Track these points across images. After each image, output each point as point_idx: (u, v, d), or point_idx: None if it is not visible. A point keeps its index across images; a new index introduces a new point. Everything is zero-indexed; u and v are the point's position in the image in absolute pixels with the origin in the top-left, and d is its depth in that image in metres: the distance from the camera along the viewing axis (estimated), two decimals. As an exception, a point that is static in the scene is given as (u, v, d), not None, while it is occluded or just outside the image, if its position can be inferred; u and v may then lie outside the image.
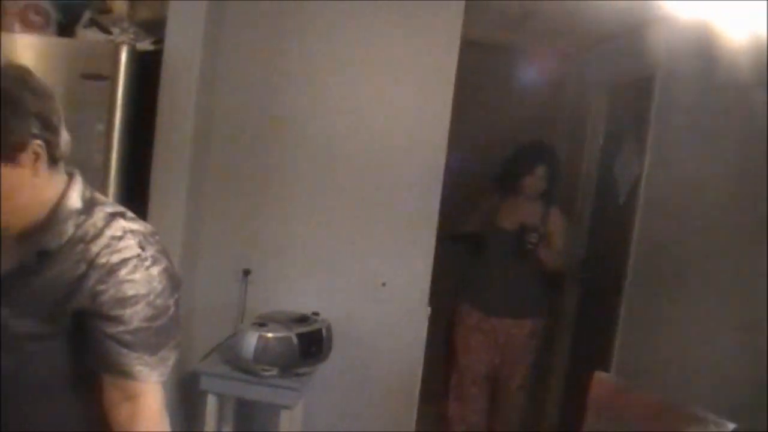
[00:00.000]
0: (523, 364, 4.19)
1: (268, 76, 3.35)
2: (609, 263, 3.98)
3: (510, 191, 4.17)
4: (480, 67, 4.27)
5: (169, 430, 1.54)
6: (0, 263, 1.51)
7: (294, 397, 2.96)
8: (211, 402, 3.01)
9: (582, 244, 4.50)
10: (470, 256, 4.26)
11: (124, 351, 1.45)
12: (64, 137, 1.51)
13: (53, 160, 1.50)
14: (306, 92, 3.35)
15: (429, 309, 3.46)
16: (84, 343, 1.48)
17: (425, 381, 3.60)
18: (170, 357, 1.53)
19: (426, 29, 3.32)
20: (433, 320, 3.56)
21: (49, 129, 1.46)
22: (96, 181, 2.61)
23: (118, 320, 1.45)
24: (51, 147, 1.48)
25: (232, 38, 3.32)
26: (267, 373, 2.90)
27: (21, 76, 1.46)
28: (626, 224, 3.73)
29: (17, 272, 1.49)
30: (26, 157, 1.44)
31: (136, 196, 2.90)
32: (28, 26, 3.03)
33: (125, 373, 1.46)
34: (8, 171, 1.42)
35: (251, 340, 2.89)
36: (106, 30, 3.04)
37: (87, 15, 3.09)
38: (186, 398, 3.19)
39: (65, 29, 3.12)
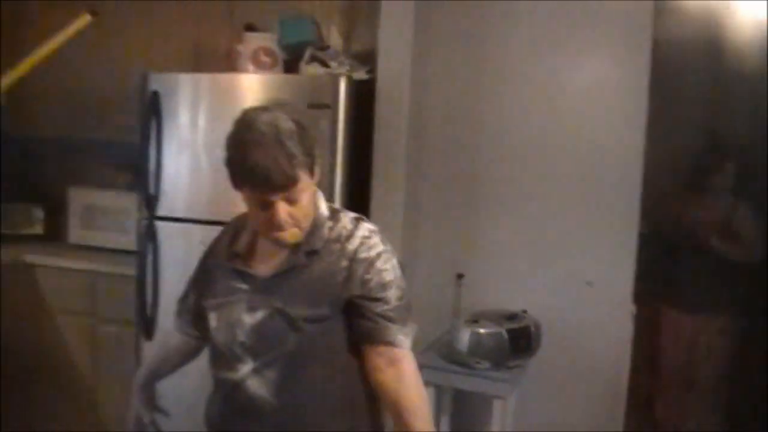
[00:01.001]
0: (714, 363, 4.15)
1: (473, 90, 3.60)
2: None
3: (699, 187, 4.19)
4: (680, 64, 4.27)
5: (423, 386, 1.85)
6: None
7: (506, 389, 3.14)
8: (429, 393, 3.18)
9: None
10: (663, 253, 4.30)
11: (390, 325, 1.81)
12: None
13: None
14: (508, 103, 3.56)
15: (634, 308, 3.51)
16: (350, 321, 1.83)
17: (635, 383, 3.64)
18: (413, 327, 1.87)
19: (618, 32, 3.42)
20: (641, 320, 3.62)
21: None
22: (323, 195, 2.98)
23: (383, 301, 1.81)
24: None
25: (437, 60, 3.60)
26: (480, 366, 3.13)
27: (292, 109, 1.85)
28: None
29: (289, 270, 1.85)
30: (315, 173, 1.81)
31: (358, 208, 3.23)
32: (260, 66, 3.47)
33: (390, 343, 1.81)
34: (311, 185, 1.81)
35: (465, 336, 3.14)
36: (325, 64, 3.40)
37: (308, 52, 3.46)
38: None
39: (290, 66, 3.52)
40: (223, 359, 1.92)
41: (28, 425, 4.06)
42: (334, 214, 1.92)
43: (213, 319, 1.94)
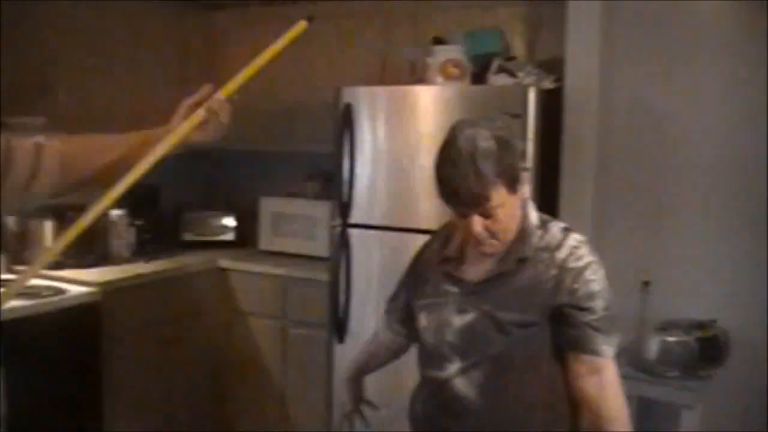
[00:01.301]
0: None
1: (662, 97, 3.57)
2: None
3: None
4: None
5: (624, 397, 1.89)
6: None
7: (694, 398, 3.11)
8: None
9: None
10: None
11: (595, 334, 1.85)
12: None
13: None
14: (698, 109, 3.51)
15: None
16: (556, 328, 1.89)
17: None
18: (617, 338, 1.90)
19: None
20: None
21: (523, 160, 1.90)
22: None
23: (590, 310, 1.85)
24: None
25: (623, 68, 3.60)
26: (668, 375, 3.12)
27: (502, 124, 1.90)
28: None
29: (499, 276, 1.93)
30: (519, 187, 1.88)
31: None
32: (448, 77, 3.57)
33: (594, 351, 1.85)
34: (513, 200, 1.87)
35: (654, 344, 3.14)
36: (512, 74, 3.48)
37: (495, 63, 3.55)
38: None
39: (478, 77, 3.61)
40: (431, 358, 2.01)
41: (221, 422, 4.33)
42: (544, 224, 1.99)
43: (422, 319, 2.04)
